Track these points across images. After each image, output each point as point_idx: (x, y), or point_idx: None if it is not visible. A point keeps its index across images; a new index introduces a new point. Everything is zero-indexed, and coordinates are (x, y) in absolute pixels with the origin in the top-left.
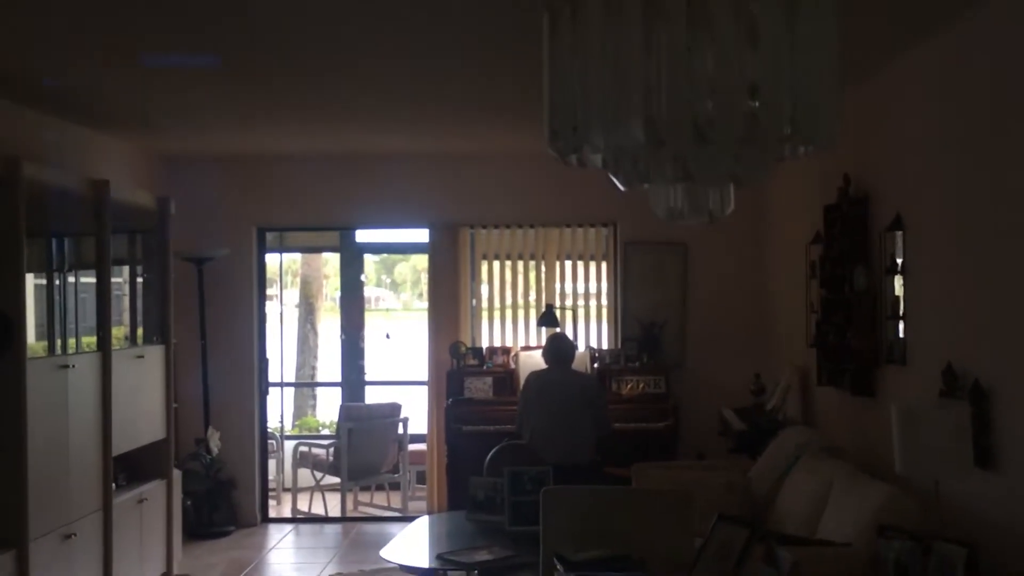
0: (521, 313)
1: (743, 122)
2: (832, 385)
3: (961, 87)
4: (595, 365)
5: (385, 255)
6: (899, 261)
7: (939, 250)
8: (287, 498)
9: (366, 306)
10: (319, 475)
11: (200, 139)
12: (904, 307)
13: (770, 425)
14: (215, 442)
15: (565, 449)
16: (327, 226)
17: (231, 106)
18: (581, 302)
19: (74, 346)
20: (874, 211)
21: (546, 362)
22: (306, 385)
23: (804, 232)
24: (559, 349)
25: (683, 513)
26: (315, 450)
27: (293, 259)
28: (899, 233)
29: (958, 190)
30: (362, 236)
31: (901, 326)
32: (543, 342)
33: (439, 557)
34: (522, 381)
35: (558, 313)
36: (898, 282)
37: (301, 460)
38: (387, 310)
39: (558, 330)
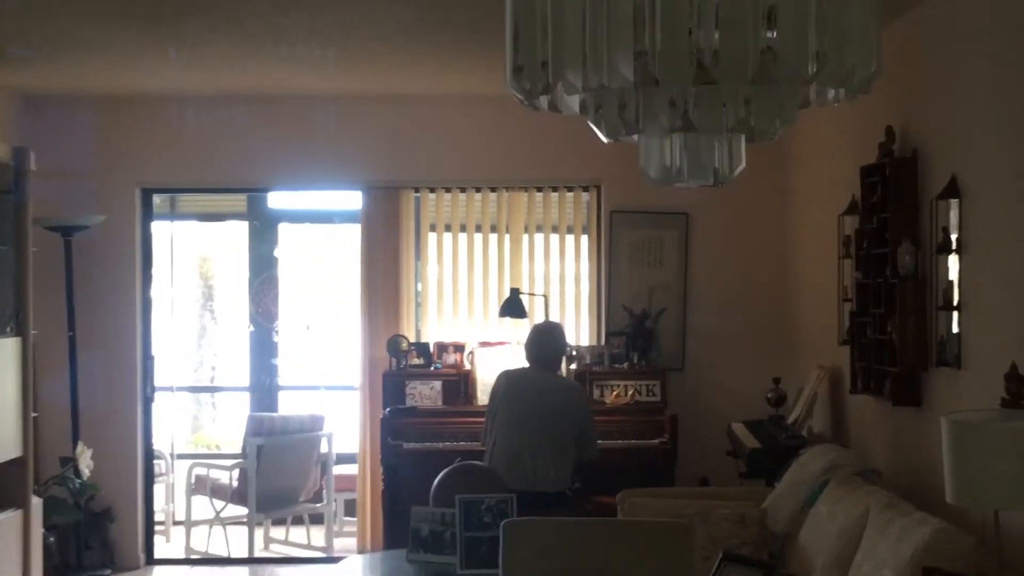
0: (479, 300)
1: (756, 57)
2: (869, 393)
3: None
4: (572, 367)
5: (307, 224)
6: (954, 237)
7: (1005, 222)
8: (178, 534)
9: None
10: (219, 505)
11: (69, 73)
12: (960, 295)
13: (791, 443)
14: (86, 462)
15: (533, 472)
16: (232, 188)
17: (109, 29)
18: (555, 286)
19: None
20: (924, 173)
21: (527, 360)
22: (204, 390)
23: (836, 200)
24: (542, 345)
25: (680, 551)
26: (215, 473)
27: (188, 229)
28: (954, 201)
29: None
30: (276, 201)
31: (956, 318)
32: (504, 336)
33: None
34: (480, 385)
35: (526, 300)
36: (953, 263)
37: (197, 486)
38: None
39: (553, 320)
